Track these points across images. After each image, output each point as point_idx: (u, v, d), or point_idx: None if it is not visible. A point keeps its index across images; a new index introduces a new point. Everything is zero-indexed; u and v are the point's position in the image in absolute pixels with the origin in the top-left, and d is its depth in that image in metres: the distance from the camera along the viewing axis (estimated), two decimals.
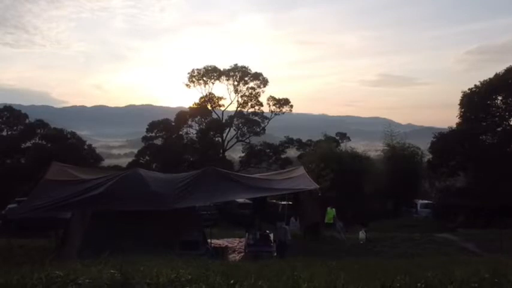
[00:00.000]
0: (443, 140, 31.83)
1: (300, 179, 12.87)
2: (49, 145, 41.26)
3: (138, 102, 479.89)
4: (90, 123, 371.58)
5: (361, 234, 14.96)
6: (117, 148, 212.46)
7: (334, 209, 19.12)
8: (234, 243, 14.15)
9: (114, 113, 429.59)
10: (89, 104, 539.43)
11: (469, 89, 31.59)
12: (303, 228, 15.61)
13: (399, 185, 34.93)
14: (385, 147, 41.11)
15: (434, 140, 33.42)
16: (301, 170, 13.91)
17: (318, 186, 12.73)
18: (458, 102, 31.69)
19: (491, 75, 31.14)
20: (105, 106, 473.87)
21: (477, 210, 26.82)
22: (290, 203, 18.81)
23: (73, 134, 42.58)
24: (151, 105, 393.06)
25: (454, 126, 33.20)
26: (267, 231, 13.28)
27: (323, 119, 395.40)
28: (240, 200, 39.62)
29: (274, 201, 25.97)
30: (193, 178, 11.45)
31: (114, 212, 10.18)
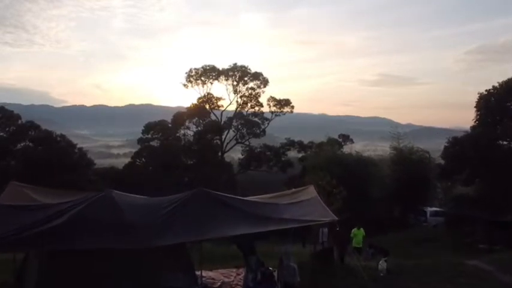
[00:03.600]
0: (458, 145, 29.66)
1: (312, 204, 10.55)
2: (39, 148, 39.22)
3: (137, 101, 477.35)
4: (89, 122, 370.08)
5: (381, 265, 12.78)
6: (116, 148, 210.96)
7: (362, 229, 16.77)
8: (231, 277, 11.91)
9: (114, 112, 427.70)
10: (88, 104, 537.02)
11: (486, 90, 29.42)
12: (312, 252, 13.44)
13: (407, 191, 32.89)
14: (392, 151, 38.97)
15: (447, 145, 31.29)
16: (311, 191, 11.59)
17: (336, 218, 10.44)
18: (474, 104, 29.55)
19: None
20: (104, 105, 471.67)
21: (495, 222, 24.71)
22: None
23: (63, 136, 40.43)
24: (151, 105, 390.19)
25: (468, 129, 31.09)
26: (270, 268, 11.15)
27: (323, 118, 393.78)
28: None
29: None
30: (180, 203, 9.07)
31: (77, 250, 8.06)
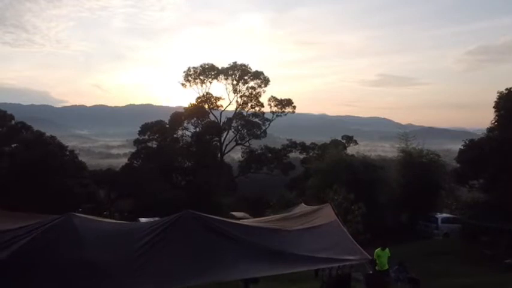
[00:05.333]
0: (475, 147, 27.45)
1: (333, 232, 7.91)
2: (27, 150, 37.11)
3: (138, 101, 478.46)
4: (89, 122, 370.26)
5: None
6: (116, 148, 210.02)
7: (388, 249, 14.44)
8: None
9: (114, 112, 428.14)
10: (88, 104, 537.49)
11: (506, 89, 27.24)
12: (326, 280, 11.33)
13: (416, 196, 30.83)
14: (400, 153, 36.78)
15: (464, 148, 29.10)
16: (328, 212, 9.03)
17: (369, 258, 8.10)
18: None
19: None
20: (104, 105, 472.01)
21: None
22: None
23: (53, 138, 38.36)
24: (151, 105, 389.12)
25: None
26: None
27: (323, 118, 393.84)
28: (239, 214, 35.27)
29: None
30: (161, 232, 6.92)
31: None
